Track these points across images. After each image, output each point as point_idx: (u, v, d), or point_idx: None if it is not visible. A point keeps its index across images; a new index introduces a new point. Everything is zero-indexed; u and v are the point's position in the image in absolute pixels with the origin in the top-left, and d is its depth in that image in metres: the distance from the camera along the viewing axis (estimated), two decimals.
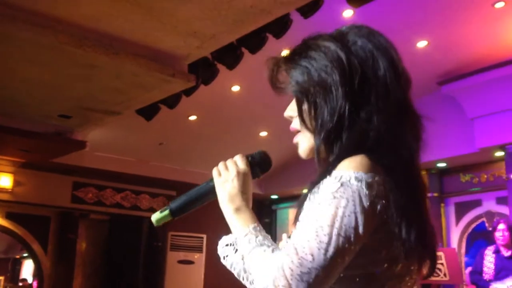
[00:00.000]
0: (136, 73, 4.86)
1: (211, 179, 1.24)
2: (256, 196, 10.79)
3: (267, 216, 11.14)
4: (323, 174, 1.07)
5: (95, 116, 6.15)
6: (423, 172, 8.07)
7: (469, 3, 5.68)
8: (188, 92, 5.57)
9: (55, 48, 4.36)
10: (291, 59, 1.22)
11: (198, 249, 9.77)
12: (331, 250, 0.94)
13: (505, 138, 6.63)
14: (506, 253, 5.48)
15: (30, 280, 12.58)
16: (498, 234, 5.53)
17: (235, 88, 7.14)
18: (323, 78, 1.14)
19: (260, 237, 1.11)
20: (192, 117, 7.90)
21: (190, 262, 9.69)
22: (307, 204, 1.08)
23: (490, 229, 6.92)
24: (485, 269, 5.52)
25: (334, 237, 0.95)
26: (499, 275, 5.40)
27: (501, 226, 5.53)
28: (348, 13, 5.66)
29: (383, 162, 1.06)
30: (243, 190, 1.20)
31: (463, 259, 7.80)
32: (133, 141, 8.38)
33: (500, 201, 7.44)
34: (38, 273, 9.26)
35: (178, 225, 9.77)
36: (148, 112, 6.14)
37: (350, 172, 1.01)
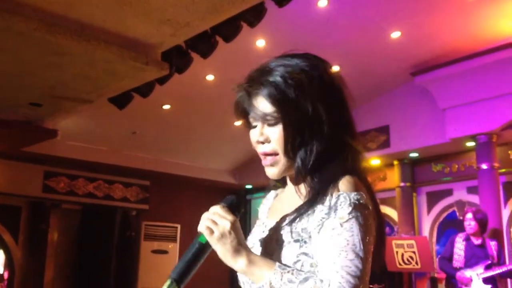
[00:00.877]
0: (109, 60, 4.77)
1: (200, 237, 1.20)
2: (230, 186, 10.81)
3: (242, 206, 11.13)
4: (318, 195, 1.21)
5: (66, 104, 6.04)
6: (396, 162, 8.17)
7: None
8: (162, 80, 5.51)
9: (25, 34, 4.25)
10: (268, 86, 1.25)
11: (172, 239, 9.73)
12: (367, 260, 1.13)
13: (476, 128, 6.73)
14: (476, 241, 5.57)
15: (1, 270, 12.38)
16: (466, 224, 5.62)
17: (210, 77, 7.10)
18: (313, 110, 1.23)
19: (295, 272, 1.14)
20: (166, 106, 7.83)
21: (164, 252, 9.66)
22: (311, 220, 1.19)
23: (461, 218, 7.04)
24: (455, 256, 5.61)
25: (366, 250, 1.13)
26: (469, 262, 5.50)
27: (468, 215, 5.60)
28: (322, 3, 5.66)
29: (362, 180, 1.24)
30: (242, 238, 1.21)
31: (435, 247, 7.93)
32: (105, 130, 8.28)
33: (471, 190, 7.57)
34: (9, 264, 9.12)
35: (152, 215, 9.73)
36: (121, 101, 6.06)
37: (353, 193, 1.18)
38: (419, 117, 7.54)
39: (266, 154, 1.29)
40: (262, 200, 1.51)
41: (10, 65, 4.98)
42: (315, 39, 6.41)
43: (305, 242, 1.18)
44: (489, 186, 6.66)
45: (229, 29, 4.84)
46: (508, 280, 6.16)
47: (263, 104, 1.26)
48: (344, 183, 1.19)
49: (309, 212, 1.20)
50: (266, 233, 1.31)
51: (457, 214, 7.74)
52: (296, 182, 1.31)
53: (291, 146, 1.24)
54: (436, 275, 7.34)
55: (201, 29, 4.69)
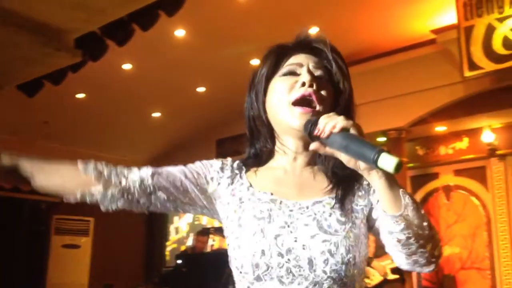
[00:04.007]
0: (18, 45, 4.55)
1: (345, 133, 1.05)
2: None
3: None
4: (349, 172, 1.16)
5: None
6: None
7: None
8: (75, 68, 5.32)
9: None
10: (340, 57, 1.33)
11: (85, 233, 9.45)
12: None
13: (387, 124, 6.98)
14: None
15: None
16: None
17: (127, 66, 6.93)
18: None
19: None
20: (80, 95, 7.58)
21: (76, 246, 9.36)
22: (356, 199, 1.22)
23: None
24: None
25: None
26: (377, 253, 5.69)
27: None
28: None
29: None
30: None
31: None
32: (15, 119, 7.88)
33: None
34: None
35: (63, 208, 9.38)
36: (31, 88, 5.79)
37: None
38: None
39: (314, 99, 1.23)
40: (218, 172, 1.30)
41: None
42: (236, 31, 6.41)
43: (353, 222, 1.17)
44: (397, 179, 6.93)
45: (146, 17, 4.75)
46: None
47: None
48: None
49: (351, 191, 1.21)
50: (302, 213, 1.19)
51: None
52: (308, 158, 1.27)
53: (329, 107, 1.23)
54: None
55: (117, 16, 4.58)
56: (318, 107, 1.21)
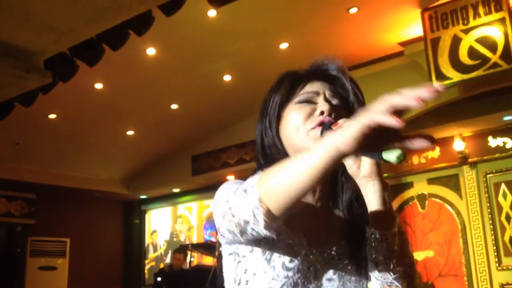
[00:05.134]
0: None
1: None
2: (123, 197, 10.53)
3: (136, 217, 10.91)
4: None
5: None
6: None
7: (325, 8, 5.96)
8: (45, 89, 5.27)
9: None
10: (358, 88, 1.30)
11: (61, 254, 9.30)
12: None
13: None
14: None
15: None
16: None
17: (98, 86, 6.89)
18: None
19: None
20: (52, 116, 7.50)
21: (53, 268, 9.20)
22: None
23: None
24: None
25: None
26: None
27: None
28: (212, 12, 5.69)
29: None
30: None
31: None
32: None
33: None
34: None
35: (39, 230, 9.26)
36: (1, 110, 5.71)
37: None
38: None
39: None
40: None
41: None
42: (207, 48, 6.44)
43: (365, 270, 1.16)
44: None
45: (116, 37, 4.72)
46: None
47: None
48: None
49: (364, 236, 1.14)
50: (325, 263, 1.17)
51: None
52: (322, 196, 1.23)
53: None
54: None
55: (85, 37, 4.54)
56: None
